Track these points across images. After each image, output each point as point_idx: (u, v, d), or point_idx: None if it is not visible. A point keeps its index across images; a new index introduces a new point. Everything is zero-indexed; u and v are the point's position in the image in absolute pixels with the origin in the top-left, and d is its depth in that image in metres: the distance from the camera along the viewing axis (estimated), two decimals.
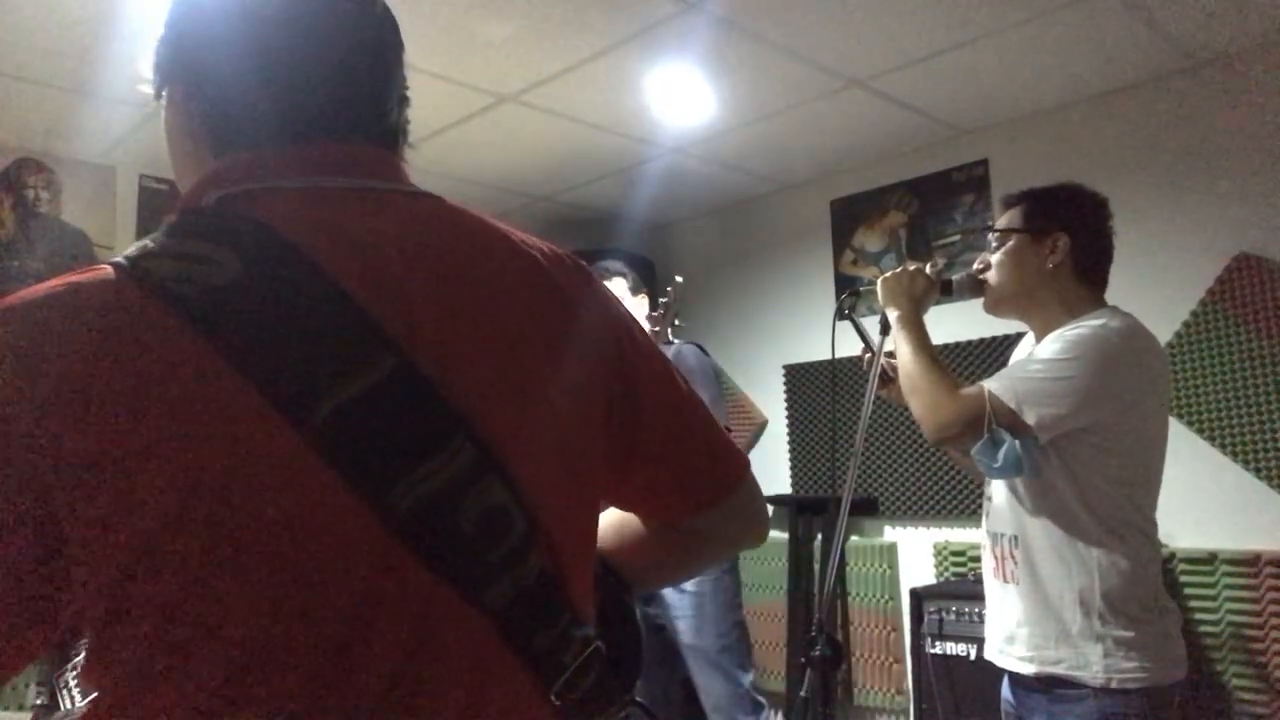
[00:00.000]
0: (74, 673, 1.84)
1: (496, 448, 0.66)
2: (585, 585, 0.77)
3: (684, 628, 2.80)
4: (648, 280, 4.26)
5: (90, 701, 0.61)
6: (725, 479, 0.87)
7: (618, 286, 2.84)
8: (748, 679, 2.87)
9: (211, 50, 0.73)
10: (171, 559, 0.57)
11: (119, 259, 0.63)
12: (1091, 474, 1.61)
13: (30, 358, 0.57)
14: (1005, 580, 1.71)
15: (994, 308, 1.84)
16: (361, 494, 0.61)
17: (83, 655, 0.61)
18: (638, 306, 2.90)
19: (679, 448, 0.84)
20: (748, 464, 0.89)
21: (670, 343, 2.84)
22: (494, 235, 0.76)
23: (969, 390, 1.67)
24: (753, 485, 0.89)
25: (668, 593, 2.79)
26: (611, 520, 0.89)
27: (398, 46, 0.81)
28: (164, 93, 0.77)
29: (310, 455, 0.60)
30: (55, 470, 0.56)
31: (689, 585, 2.76)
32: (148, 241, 0.64)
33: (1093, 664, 1.56)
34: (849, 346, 2.13)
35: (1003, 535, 1.72)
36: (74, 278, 0.61)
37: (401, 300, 0.66)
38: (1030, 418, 1.59)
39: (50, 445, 0.56)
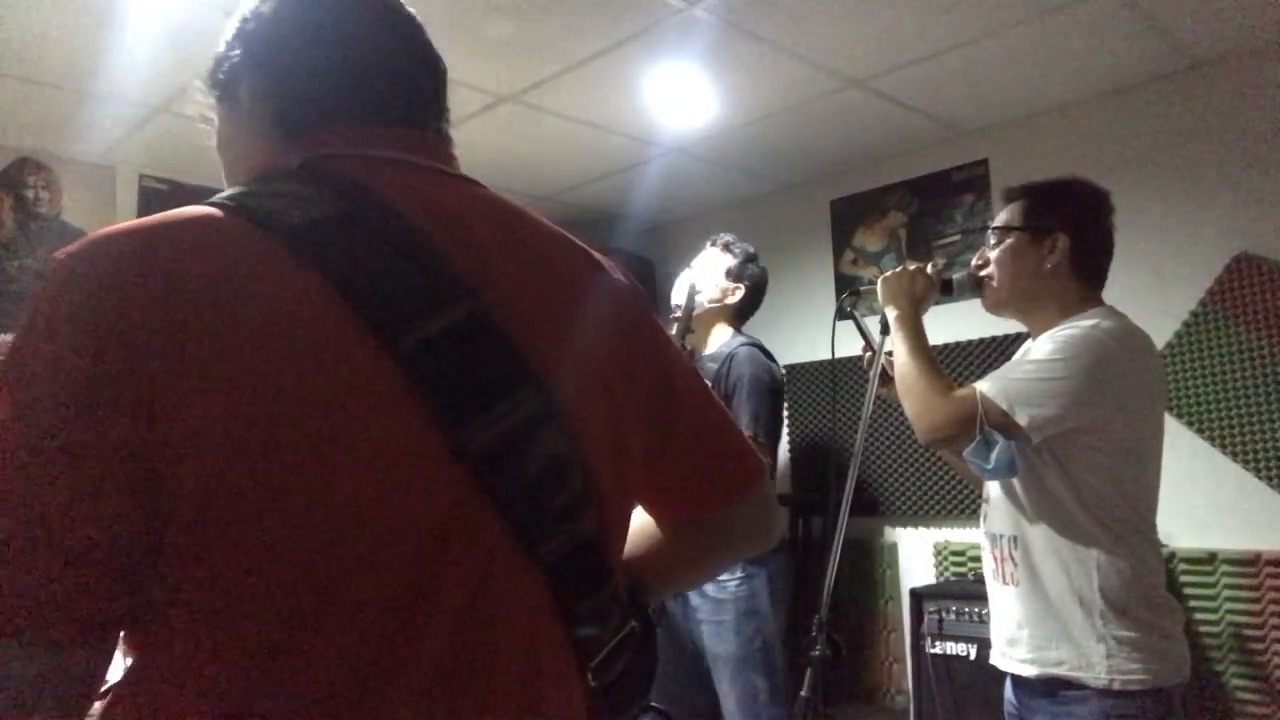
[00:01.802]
0: None
1: (559, 402, 0.69)
2: (620, 565, 0.79)
3: (707, 633, 2.62)
4: (647, 280, 4.25)
5: (144, 651, 0.62)
6: (746, 477, 0.90)
7: None
8: (766, 686, 2.75)
9: (287, 46, 0.77)
10: (255, 476, 0.58)
11: (216, 199, 0.67)
12: (1086, 474, 1.60)
13: (136, 278, 0.59)
14: (1005, 582, 1.71)
15: (994, 309, 1.84)
16: (440, 426, 0.63)
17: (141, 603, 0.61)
18: None
19: (707, 444, 0.88)
20: (764, 463, 0.92)
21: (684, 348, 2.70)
22: (550, 226, 0.82)
23: (961, 391, 1.67)
24: (769, 484, 0.93)
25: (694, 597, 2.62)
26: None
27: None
28: (226, 94, 0.80)
29: (397, 380, 0.62)
30: (152, 385, 0.57)
31: (710, 589, 2.58)
32: (237, 189, 0.67)
33: (1095, 665, 1.56)
34: (849, 346, 2.13)
35: (1001, 536, 1.72)
36: (183, 211, 0.65)
37: (478, 257, 0.70)
38: (1022, 419, 1.59)
39: (166, 354, 0.57)
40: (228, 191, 0.67)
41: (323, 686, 0.60)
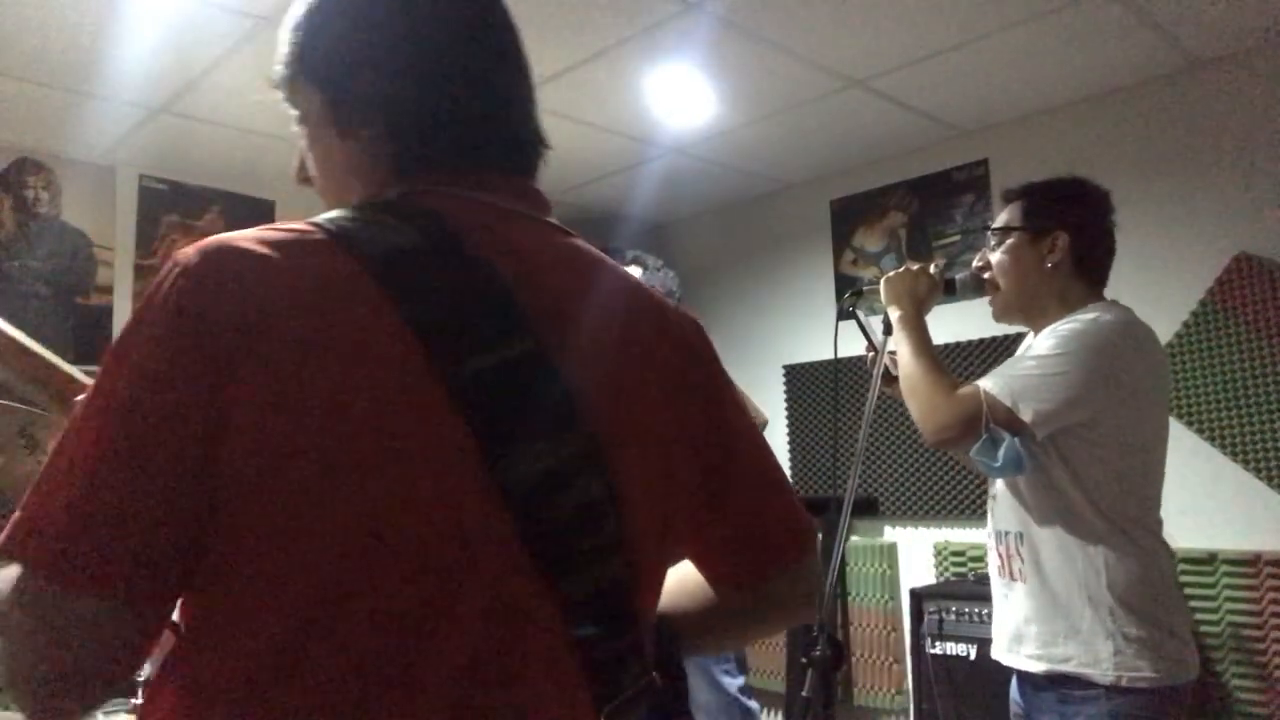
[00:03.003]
0: None
1: (604, 450, 0.71)
2: (650, 618, 0.79)
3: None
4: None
5: (184, 626, 0.66)
6: (798, 542, 0.89)
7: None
8: (736, 684, 2.81)
9: (415, 97, 0.79)
10: (303, 473, 0.62)
11: (317, 221, 0.71)
12: (1091, 468, 1.60)
13: (235, 287, 0.64)
14: (1012, 578, 1.71)
15: (1001, 316, 1.83)
16: (482, 455, 0.66)
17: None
18: None
19: (760, 505, 0.87)
20: (814, 529, 0.91)
21: None
22: (626, 276, 0.85)
23: (964, 390, 1.66)
24: (817, 553, 0.92)
25: None
26: (673, 576, 0.88)
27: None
28: (342, 123, 0.81)
29: (446, 406, 0.66)
30: (235, 385, 0.62)
31: None
32: (337, 213, 0.73)
33: (1103, 661, 1.55)
34: (851, 346, 2.13)
35: (1007, 533, 1.72)
36: (289, 227, 0.70)
37: (546, 301, 0.74)
38: (1026, 414, 1.59)
39: (238, 357, 0.62)
40: (330, 215, 0.72)
41: (331, 690, 0.62)
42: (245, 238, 0.68)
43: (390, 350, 0.66)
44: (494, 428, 0.67)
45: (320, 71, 0.81)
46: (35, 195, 3.40)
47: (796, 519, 0.89)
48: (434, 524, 0.65)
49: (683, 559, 0.88)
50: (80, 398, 0.66)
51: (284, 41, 0.83)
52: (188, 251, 0.66)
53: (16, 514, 0.62)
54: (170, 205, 3.72)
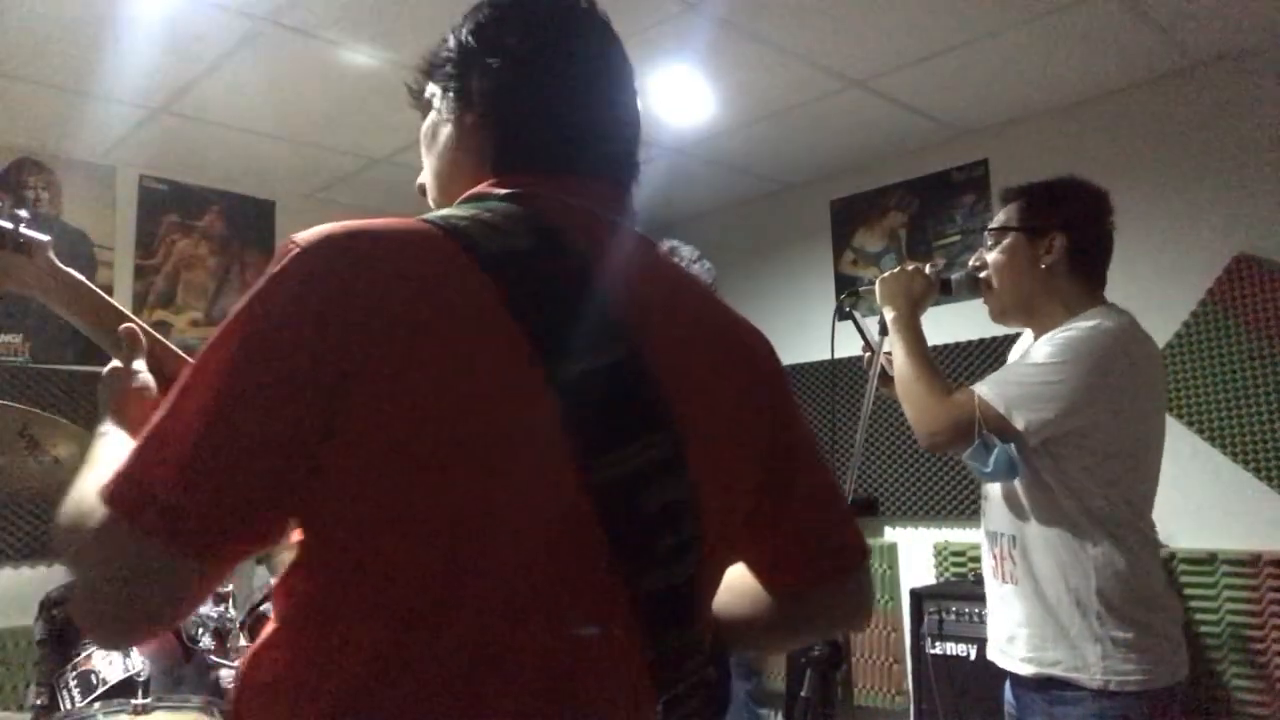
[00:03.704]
0: (74, 673, 1.84)
1: (686, 453, 0.75)
2: (709, 615, 0.84)
3: None
4: None
5: (291, 603, 0.70)
6: (854, 552, 0.93)
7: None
8: (745, 688, 2.81)
9: (524, 98, 0.83)
10: (413, 459, 0.65)
11: (428, 218, 0.74)
12: (1083, 475, 1.60)
13: (356, 274, 0.67)
14: (1005, 580, 1.71)
15: (999, 318, 1.83)
16: (577, 453, 0.70)
17: (290, 558, 0.69)
18: None
19: (818, 517, 0.91)
20: (867, 543, 0.95)
21: None
22: (703, 287, 0.92)
23: (959, 395, 1.66)
24: (869, 563, 0.95)
25: None
26: (726, 578, 0.91)
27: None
28: (453, 111, 0.86)
29: (550, 404, 0.69)
30: (348, 368, 0.64)
31: None
32: (448, 211, 0.76)
33: (1091, 665, 1.55)
34: (849, 347, 2.13)
35: (1001, 535, 1.72)
36: (403, 222, 0.73)
37: (640, 310, 0.78)
38: (1019, 422, 1.58)
39: (353, 342, 0.65)
40: (442, 212, 0.76)
41: (442, 671, 0.66)
42: (363, 226, 0.71)
43: (500, 346, 0.69)
44: (589, 427, 0.70)
45: (439, 71, 0.87)
46: (35, 195, 3.41)
47: (852, 531, 0.93)
48: (531, 516, 0.69)
49: (737, 562, 0.91)
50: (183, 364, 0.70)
51: (421, 61, 0.90)
52: (308, 235, 0.69)
53: (121, 467, 0.65)
54: (170, 205, 3.72)
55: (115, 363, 1.00)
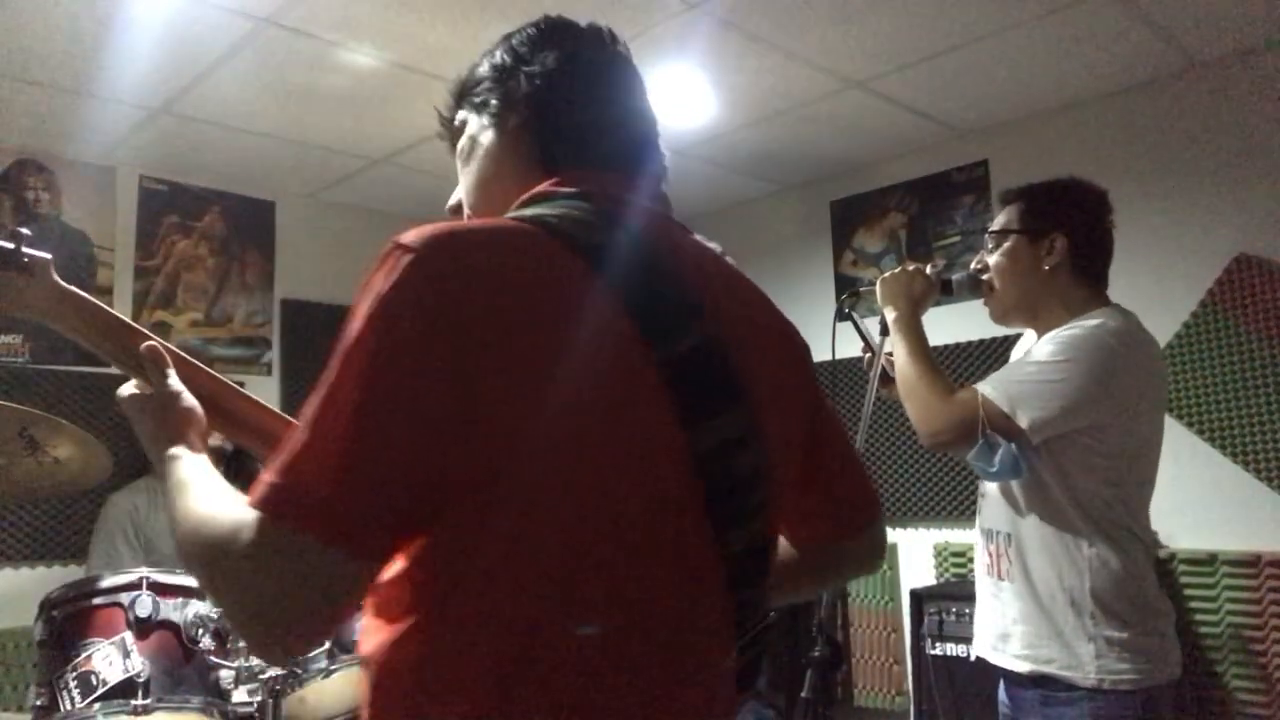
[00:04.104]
0: (74, 674, 1.84)
1: (758, 423, 0.82)
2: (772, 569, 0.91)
3: None
4: None
5: (410, 598, 0.72)
6: (874, 506, 1.05)
7: None
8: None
9: (564, 98, 0.89)
10: (534, 447, 0.69)
11: (520, 216, 0.79)
12: (1082, 474, 1.60)
13: (475, 273, 0.70)
14: (1000, 577, 1.71)
15: (1001, 319, 1.83)
16: (682, 426, 0.76)
17: (414, 554, 0.71)
18: None
19: (843, 477, 1.01)
20: (879, 498, 1.06)
21: None
22: (742, 274, 0.98)
23: (962, 394, 1.66)
24: (883, 517, 1.07)
25: None
26: None
27: None
28: (494, 119, 0.90)
29: (658, 384, 0.75)
30: (482, 363, 0.68)
31: None
32: (533, 210, 0.80)
33: (1085, 664, 1.56)
34: (849, 347, 2.13)
35: (997, 533, 1.72)
36: (503, 223, 0.78)
37: (710, 293, 0.84)
38: (1023, 420, 1.58)
39: (483, 338, 0.68)
40: (530, 212, 0.80)
41: (597, 623, 0.71)
42: (466, 227, 0.75)
43: (614, 333, 0.75)
44: (692, 405, 0.77)
45: (474, 91, 0.92)
46: (35, 196, 3.41)
47: (870, 487, 1.05)
48: (648, 497, 0.75)
49: None
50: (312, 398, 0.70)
51: (453, 88, 0.96)
52: (418, 238, 0.71)
53: (271, 478, 0.67)
54: (170, 206, 3.72)
55: (133, 384, 1.00)
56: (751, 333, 0.89)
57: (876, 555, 1.07)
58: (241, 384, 1.11)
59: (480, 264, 0.71)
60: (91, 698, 1.81)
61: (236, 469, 2.61)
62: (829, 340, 1.97)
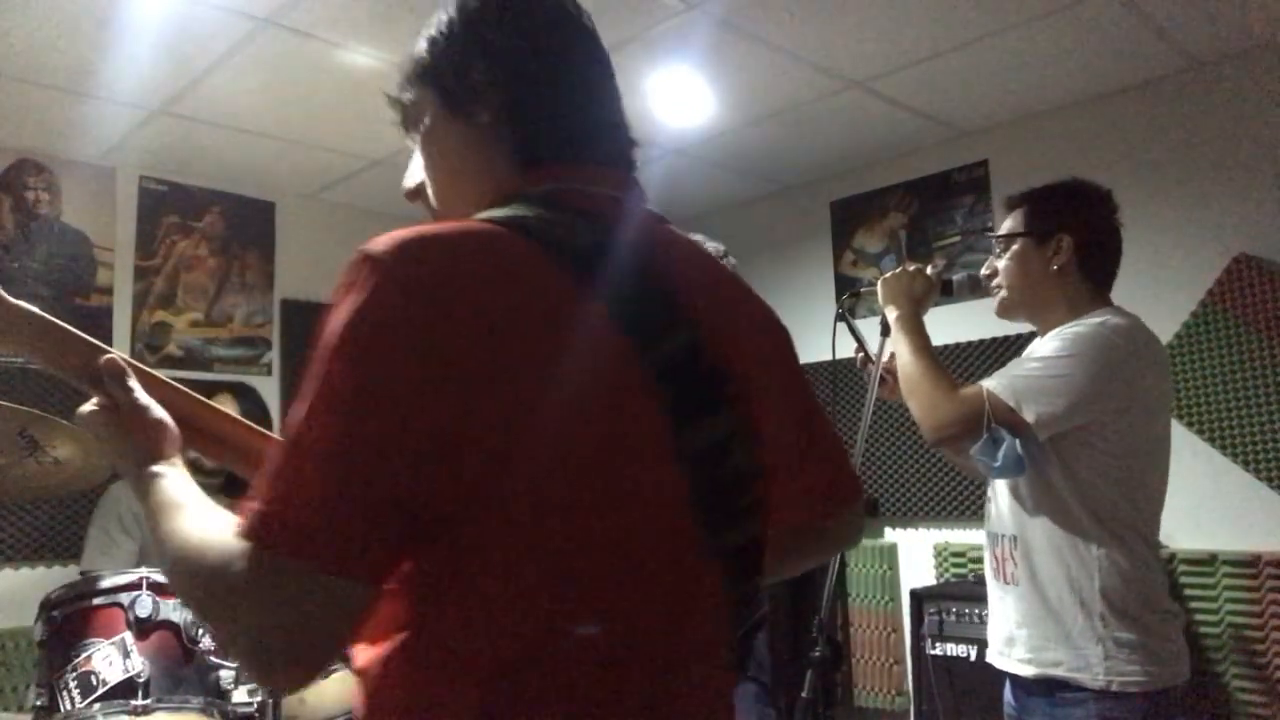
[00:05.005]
0: (74, 674, 1.84)
1: (748, 422, 0.81)
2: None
3: None
4: None
5: (425, 610, 0.70)
6: (855, 489, 1.06)
7: None
8: (752, 689, 2.80)
9: (536, 83, 0.85)
10: (523, 457, 0.67)
11: (489, 216, 0.76)
12: (1089, 473, 1.60)
13: (451, 281, 0.68)
14: (1005, 581, 1.71)
15: (1004, 313, 1.84)
16: (672, 427, 0.75)
17: (415, 567, 0.69)
18: None
19: (832, 461, 1.02)
20: (860, 481, 1.08)
21: None
22: (715, 259, 0.97)
23: (967, 390, 1.66)
24: (863, 499, 1.09)
25: None
26: None
27: None
28: (461, 109, 0.86)
29: (645, 387, 0.74)
30: (464, 372, 0.66)
31: None
32: (506, 211, 0.77)
33: (1093, 666, 1.56)
34: (849, 348, 2.13)
35: (1003, 536, 1.72)
36: (475, 226, 0.74)
37: (692, 291, 0.83)
38: (1029, 415, 1.58)
39: (463, 348, 0.66)
40: (501, 213, 0.76)
41: (594, 632, 0.71)
42: (435, 231, 0.71)
43: (599, 341, 0.73)
44: (678, 406, 0.76)
45: (432, 72, 0.87)
46: (35, 196, 3.40)
47: (851, 471, 1.06)
48: (641, 502, 0.74)
49: None
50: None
51: (404, 66, 0.90)
52: (385, 246, 0.68)
53: (257, 505, 0.64)
54: (170, 206, 3.72)
55: (94, 401, 0.91)
56: (735, 327, 0.87)
57: (854, 534, 1.11)
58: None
59: (455, 272, 0.68)
60: (91, 698, 1.81)
61: (233, 487, 2.56)
62: (829, 340, 1.97)
